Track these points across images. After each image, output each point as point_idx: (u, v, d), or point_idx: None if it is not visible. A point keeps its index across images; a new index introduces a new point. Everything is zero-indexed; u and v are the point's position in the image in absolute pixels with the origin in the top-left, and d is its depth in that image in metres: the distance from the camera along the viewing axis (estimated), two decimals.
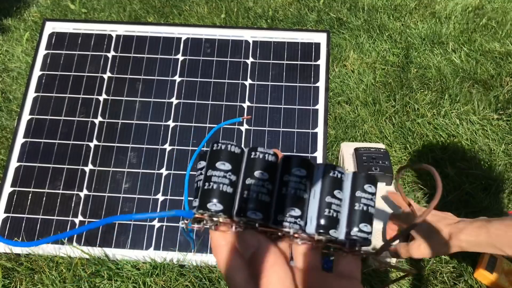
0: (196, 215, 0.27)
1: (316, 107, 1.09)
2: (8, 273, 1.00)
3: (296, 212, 0.26)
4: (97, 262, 0.99)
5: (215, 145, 0.27)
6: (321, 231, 0.26)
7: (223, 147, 0.27)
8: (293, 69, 1.13)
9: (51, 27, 1.18)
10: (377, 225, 0.92)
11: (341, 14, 1.85)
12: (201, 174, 0.27)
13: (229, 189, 0.26)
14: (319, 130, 1.07)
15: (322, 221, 0.26)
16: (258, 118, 1.09)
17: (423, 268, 1.02)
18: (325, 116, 1.08)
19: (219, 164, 0.26)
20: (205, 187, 0.26)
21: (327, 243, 0.27)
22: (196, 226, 0.28)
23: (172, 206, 1.02)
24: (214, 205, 0.25)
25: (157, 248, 0.99)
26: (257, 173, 0.26)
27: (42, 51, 1.16)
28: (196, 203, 0.26)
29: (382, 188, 0.98)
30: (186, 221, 0.27)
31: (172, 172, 1.05)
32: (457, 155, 1.28)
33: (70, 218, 1.02)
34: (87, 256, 0.99)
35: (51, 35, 1.17)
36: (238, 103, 1.10)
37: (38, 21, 1.89)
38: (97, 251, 0.99)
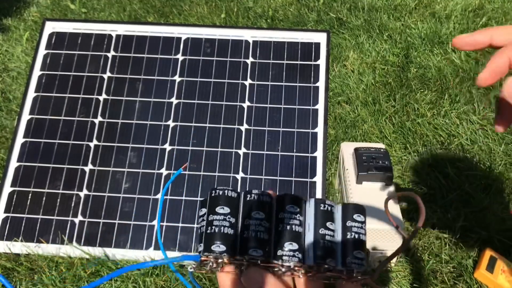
0: (202, 258, 0.28)
1: (316, 107, 1.09)
2: (8, 273, 1.00)
3: (294, 246, 0.28)
4: (97, 262, 0.99)
5: (213, 192, 0.29)
6: (319, 261, 0.28)
7: (220, 193, 0.29)
8: (293, 69, 1.12)
9: (51, 27, 1.18)
10: (378, 225, 0.92)
11: (341, 14, 1.85)
12: (203, 220, 0.29)
13: (230, 231, 0.28)
14: (319, 130, 1.07)
15: (319, 252, 0.28)
16: (258, 118, 1.09)
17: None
18: (325, 116, 1.08)
19: (218, 209, 0.29)
20: (208, 231, 0.28)
21: (326, 273, 0.29)
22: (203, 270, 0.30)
23: (172, 206, 1.02)
24: (218, 246, 0.28)
25: (157, 248, 0.99)
26: (254, 214, 0.28)
27: (42, 51, 1.16)
28: (201, 247, 0.28)
29: (383, 188, 0.98)
30: (194, 265, 0.29)
31: (172, 172, 1.05)
32: (457, 155, 1.28)
33: (70, 218, 1.02)
34: (87, 256, 0.99)
35: (51, 35, 1.17)
36: (238, 103, 1.10)
37: (38, 21, 1.89)
38: (97, 251, 0.99)
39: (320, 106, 1.09)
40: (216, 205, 0.29)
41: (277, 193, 0.30)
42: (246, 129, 1.08)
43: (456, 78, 1.52)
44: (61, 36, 1.17)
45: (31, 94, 1.12)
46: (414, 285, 1.00)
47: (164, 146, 1.07)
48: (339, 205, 0.30)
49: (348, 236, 0.29)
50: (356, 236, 0.29)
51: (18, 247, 1.00)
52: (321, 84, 1.11)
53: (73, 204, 1.03)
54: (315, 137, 1.06)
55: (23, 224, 1.01)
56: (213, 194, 0.29)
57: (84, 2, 2.00)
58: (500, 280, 0.96)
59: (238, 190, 0.29)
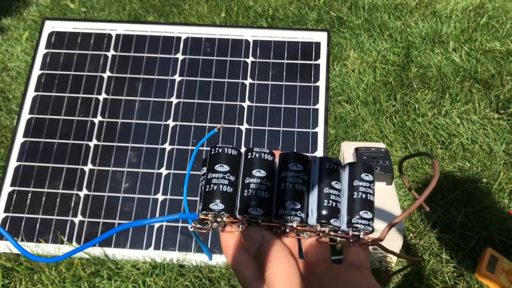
0: (201, 217, 0.28)
1: (316, 106, 1.09)
2: (8, 273, 1.00)
3: (296, 205, 0.27)
4: (96, 262, 0.99)
5: (213, 149, 0.28)
6: (323, 221, 0.27)
7: (220, 150, 0.28)
8: (293, 68, 1.12)
9: (50, 26, 1.18)
10: (379, 225, 0.91)
11: (341, 13, 1.85)
12: (203, 180, 0.29)
13: (229, 189, 0.27)
14: (320, 129, 1.07)
15: (323, 212, 0.27)
16: (258, 117, 1.08)
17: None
18: (325, 116, 1.08)
19: (217, 167, 0.28)
20: (207, 190, 0.27)
21: (331, 234, 0.28)
22: (203, 230, 0.29)
23: (172, 205, 1.02)
24: (216, 205, 0.27)
25: (157, 248, 0.99)
26: (255, 172, 0.27)
27: (41, 50, 1.15)
28: (200, 206, 0.28)
29: (383, 188, 0.98)
30: (193, 224, 0.29)
31: (172, 171, 1.04)
32: (457, 154, 1.28)
33: (69, 218, 1.01)
34: (87, 256, 0.99)
35: (50, 34, 1.17)
36: (238, 103, 1.10)
37: (37, 20, 1.89)
38: (96, 251, 0.99)
39: (321, 106, 1.09)
40: (216, 163, 0.28)
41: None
42: (246, 129, 1.08)
43: (456, 77, 1.51)
44: (60, 35, 1.17)
45: (31, 93, 1.12)
46: (415, 285, 0.99)
47: (164, 146, 1.07)
48: (346, 164, 0.29)
49: (355, 196, 0.28)
50: (364, 196, 0.28)
51: None
52: (321, 83, 1.10)
53: (72, 204, 1.03)
54: (316, 137, 1.06)
55: (23, 224, 1.01)
56: (212, 152, 0.28)
57: (84, 1, 1.99)
58: (501, 280, 0.95)
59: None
